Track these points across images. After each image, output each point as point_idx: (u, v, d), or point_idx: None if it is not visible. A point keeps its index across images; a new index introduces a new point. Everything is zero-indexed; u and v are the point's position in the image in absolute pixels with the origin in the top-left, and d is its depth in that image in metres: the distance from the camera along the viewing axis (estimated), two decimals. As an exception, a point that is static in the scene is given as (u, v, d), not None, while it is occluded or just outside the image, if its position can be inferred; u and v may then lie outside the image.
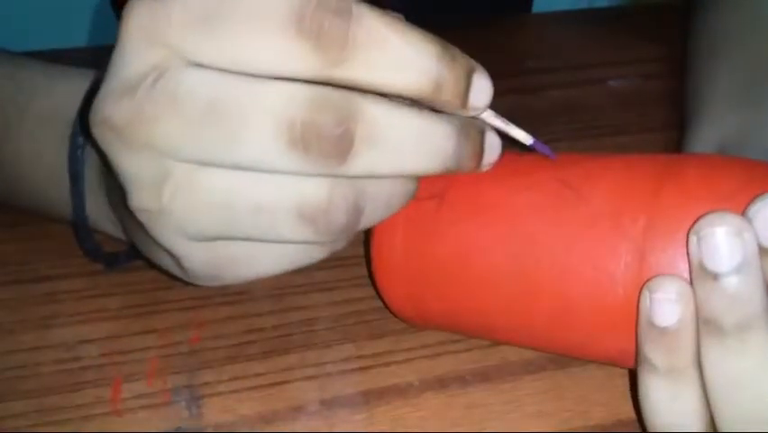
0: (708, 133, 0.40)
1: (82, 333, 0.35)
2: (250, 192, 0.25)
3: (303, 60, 0.24)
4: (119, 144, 0.25)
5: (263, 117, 0.24)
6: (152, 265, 0.32)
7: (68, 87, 0.36)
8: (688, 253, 0.26)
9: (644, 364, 0.27)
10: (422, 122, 0.25)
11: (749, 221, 0.25)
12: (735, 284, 0.24)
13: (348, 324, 0.35)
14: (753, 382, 0.25)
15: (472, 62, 0.26)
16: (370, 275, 0.32)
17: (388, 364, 0.33)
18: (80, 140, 0.34)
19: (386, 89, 0.25)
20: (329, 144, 0.24)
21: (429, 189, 0.30)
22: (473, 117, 0.27)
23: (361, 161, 0.25)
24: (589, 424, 0.31)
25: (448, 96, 0.25)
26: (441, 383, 0.32)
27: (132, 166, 0.25)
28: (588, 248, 0.28)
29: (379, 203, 0.27)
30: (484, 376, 0.33)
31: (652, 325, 0.26)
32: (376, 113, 0.25)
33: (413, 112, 0.25)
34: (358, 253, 0.38)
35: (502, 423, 0.31)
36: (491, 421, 0.31)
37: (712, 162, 0.28)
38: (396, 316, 0.33)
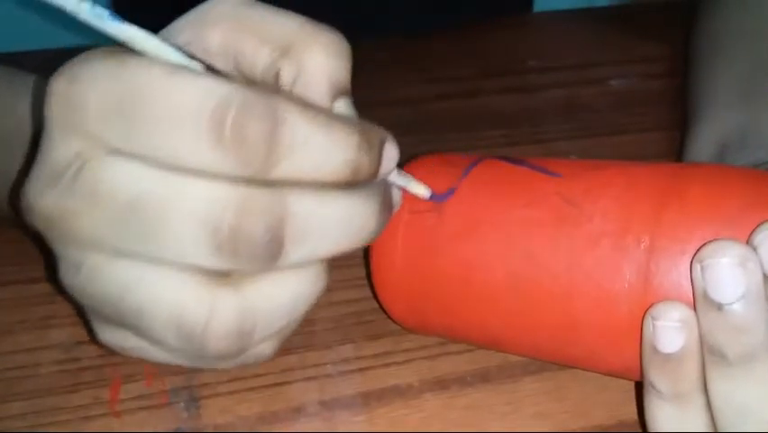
0: (709, 131, 0.40)
1: (81, 334, 0.34)
2: (144, 295, 0.24)
3: (225, 168, 0.22)
4: (43, 230, 0.25)
5: (186, 221, 0.23)
6: None
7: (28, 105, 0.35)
8: (692, 281, 0.25)
9: (650, 389, 0.27)
10: (348, 205, 0.25)
11: (754, 249, 0.24)
12: (739, 314, 0.24)
13: (348, 325, 0.35)
14: (759, 410, 0.25)
15: (383, 134, 0.26)
16: (370, 281, 0.32)
17: (387, 365, 0.33)
18: None
19: (309, 182, 0.24)
20: (259, 249, 0.23)
21: (428, 202, 0.30)
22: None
23: (293, 257, 0.24)
24: (591, 425, 0.31)
25: (364, 176, 0.25)
26: (441, 384, 0.32)
27: (57, 248, 0.25)
28: (591, 269, 0.27)
29: None
30: (484, 377, 0.33)
31: (656, 351, 0.26)
32: (305, 209, 0.24)
33: (338, 196, 0.25)
34: (358, 254, 0.38)
35: (502, 424, 0.31)
36: (492, 422, 0.31)
37: (716, 177, 0.28)
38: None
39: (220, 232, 0.23)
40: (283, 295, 0.25)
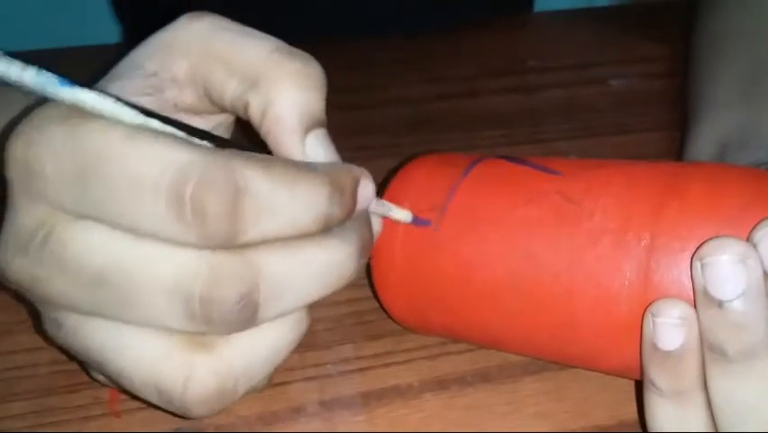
0: (709, 131, 0.40)
1: (81, 334, 0.35)
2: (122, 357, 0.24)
3: (189, 239, 0.22)
4: (19, 291, 0.25)
5: (156, 290, 0.23)
6: None
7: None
8: (692, 278, 0.25)
9: (650, 386, 0.27)
10: (324, 255, 0.24)
11: (754, 246, 0.24)
12: (739, 311, 0.24)
13: (348, 325, 0.35)
14: (759, 408, 0.25)
15: (356, 172, 0.25)
16: (370, 280, 0.32)
17: (387, 365, 0.33)
18: None
19: (280, 238, 0.23)
20: (233, 315, 0.23)
21: (429, 202, 0.30)
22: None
23: (269, 315, 0.24)
24: (591, 425, 0.30)
25: (337, 221, 0.24)
26: (441, 384, 0.32)
27: (37, 306, 0.26)
28: (591, 266, 0.27)
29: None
30: (484, 377, 0.32)
31: (655, 348, 0.26)
32: (278, 268, 0.23)
33: (313, 247, 0.24)
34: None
35: (502, 424, 0.31)
36: (492, 423, 0.31)
37: (716, 175, 0.28)
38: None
39: (191, 301, 0.23)
40: (262, 348, 0.25)
